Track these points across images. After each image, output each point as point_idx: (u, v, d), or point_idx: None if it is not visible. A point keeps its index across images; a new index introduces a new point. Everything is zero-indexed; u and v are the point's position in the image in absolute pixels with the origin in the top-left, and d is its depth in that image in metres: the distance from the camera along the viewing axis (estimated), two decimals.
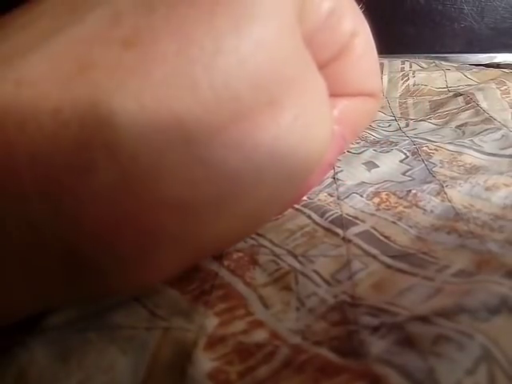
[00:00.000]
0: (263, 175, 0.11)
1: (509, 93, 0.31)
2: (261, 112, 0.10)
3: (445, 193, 0.18)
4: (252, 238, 0.16)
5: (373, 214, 0.17)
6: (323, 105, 0.12)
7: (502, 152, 0.22)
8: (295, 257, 0.14)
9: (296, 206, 0.18)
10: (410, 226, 0.16)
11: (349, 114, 0.15)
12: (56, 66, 0.09)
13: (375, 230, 0.16)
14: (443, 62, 0.41)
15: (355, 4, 0.14)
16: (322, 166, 0.15)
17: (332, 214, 0.17)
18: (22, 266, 0.09)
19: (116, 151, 0.09)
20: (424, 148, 0.24)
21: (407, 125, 0.30)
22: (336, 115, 0.14)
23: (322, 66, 0.13)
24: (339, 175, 0.21)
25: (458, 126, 0.27)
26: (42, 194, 0.09)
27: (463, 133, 0.26)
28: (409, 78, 0.38)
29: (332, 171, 0.21)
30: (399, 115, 0.33)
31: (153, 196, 0.09)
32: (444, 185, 0.19)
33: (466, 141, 0.24)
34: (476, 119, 0.28)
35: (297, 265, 0.14)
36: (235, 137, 0.10)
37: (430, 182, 0.19)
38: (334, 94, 0.14)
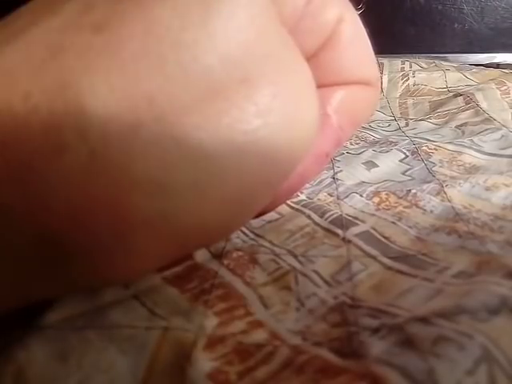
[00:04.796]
0: (242, 156, 0.10)
1: (509, 93, 0.31)
2: (235, 90, 0.10)
3: (445, 192, 0.18)
4: (251, 239, 0.16)
5: (373, 214, 0.17)
6: (306, 86, 0.12)
7: (502, 152, 0.22)
8: (295, 256, 0.14)
9: (295, 205, 0.18)
10: (410, 227, 0.16)
11: (345, 104, 0.15)
12: (29, 53, 0.09)
13: (375, 230, 0.16)
14: (443, 62, 0.41)
15: None
16: (318, 156, 0.14)
17: (332, 214, 0.17)
18: None
19: (86, 132, 0.09)
20: (424, 148, 0.24)
21: (407, 124, 0.30)
22: (332, 105, 0.14)
23: (312, 55, 0.13)
24: (339, 175, 0.21)
25: (457, 126, 0.27)
26: (11, 177, 0.09)
27: (463, 132, 0.26)
28: (409, 78, 0.38)
29: (332, 171, 0.21)
30: (399, 115, 0.33)
31: (125, 177, 0.09)
32: (444, 184, 0.19)
33: (465, 140, 0.24)
34: (476, 119, 0.28)
35: (297, 264, 0.14)
36: (209, 115, 0.10)
37: (429, 182, 0.19)
38: (327, 84, 0.14)
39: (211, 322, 0.12)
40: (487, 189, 0.18)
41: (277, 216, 0.17)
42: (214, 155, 0.10)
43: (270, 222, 0.17)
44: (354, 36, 0.14)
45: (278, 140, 0.11)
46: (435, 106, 0.33)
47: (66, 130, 0.09)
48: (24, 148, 0.09)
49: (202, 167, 0.10)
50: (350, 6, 0.14)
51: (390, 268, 0.14)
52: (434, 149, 0.23)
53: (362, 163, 0.22)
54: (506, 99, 0.30)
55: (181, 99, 0.09)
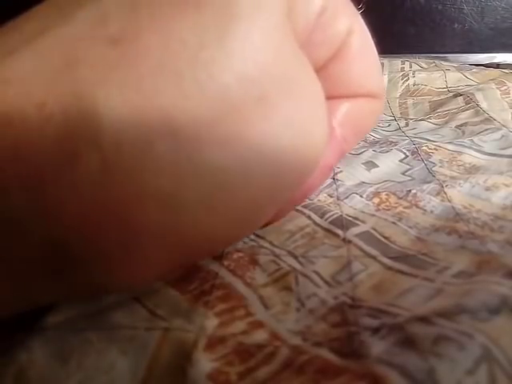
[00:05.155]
0: (253, 173, 0.11)
1: (509, 93, 0.31)
2: (251, 108, 0.10)
3: (445, 192, 0.18)
4: (252, 240, 0.16)
5: (373, 215, 0.17)
6: (318, 106, 0.12)
7: (502, 152, 0.22)
8: (295, 257, 0.14)
9: (296, 206, 0.18)
10: (410, 227, 0.16)
11: (350, 116, 0.15)
12: (43, 63, 0.09)
13: (375, 230, 0.16)
14: (443, 62, 0.41)
15: (349, 2, 0.14)
16: (323, 169, 0.14)
17: (332, 215, 0.17)
18: (2, 259, 0.09)
19: (100, 143, 0.09)
20: (424, 147, 0.24)
21: (407, 124, 0.30)
22: (337, 117, 0.14)
23: (321, 67, 0.13)
24: (339, 176, 0.21)
25: (457, 126, 0.27)
26: (23, 186, 0.09)
27: (463, 132, 0.26)
28: (409, 78, 0.38)
29: (332, 172, 0.21)
30: (399, 115, 0.33)
31: (137, 188, 0.09)
32: (444, 184, 0.18)
33: (465, 140, 0.24)
34: (476, 119, 0.28)
35: (297, 265, 0.14)
36: (224, 132, 0.10)
37: (429, 182, 0.19)
38: (335, 96, 0.14)
39: (212, 323, 0.12)
40: (487, 189, 0.18)
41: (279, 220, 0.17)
42: (226, 171, 0.10)
43: (269, 223, 0.17)
44: (362, 47, 0.14)
45: (289, 158, 0.11)
46: (435, 106, 0.33)
47: (80, 140, 0.09)
48: (37, 156, 0.09)
49: (213, 182, 0.10)
50: (359, 17, 0.14)
51: (390, 268, 0.14)
52: (434, 149, 0.23)
53: (362, 163, 0.22)
54: (506, 99, 0.30)
55: (196, 115, 0.09)
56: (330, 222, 0.16)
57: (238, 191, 0.11)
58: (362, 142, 0.26)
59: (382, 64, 0.39)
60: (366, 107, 0.15)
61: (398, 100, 0.35)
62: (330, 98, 0.13)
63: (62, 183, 0.09)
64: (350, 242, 0.15)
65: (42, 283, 0.10)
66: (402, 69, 0.39)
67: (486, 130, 0.25)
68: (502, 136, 0.24)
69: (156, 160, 0.09)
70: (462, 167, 0.21)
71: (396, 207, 0.17)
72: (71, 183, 0.09)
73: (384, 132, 0.29)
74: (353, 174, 0.21)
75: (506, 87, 0.32)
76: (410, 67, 0.40)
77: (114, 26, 0.09)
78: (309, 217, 0.17)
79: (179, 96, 0.09)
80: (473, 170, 0.21)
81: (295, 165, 0.12)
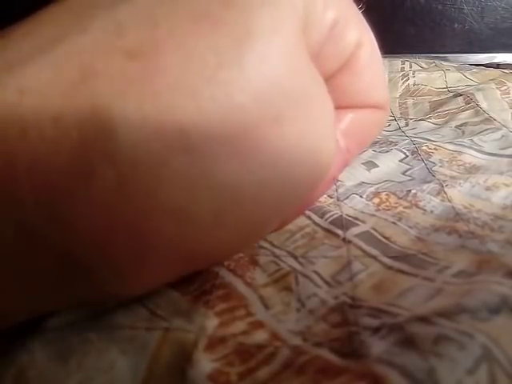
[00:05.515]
0: (265, 189, 0.11)
1: (509, 93, 0.31)
2: (266, 126, 0.10)
3: (445, 192, 0.18)
4: None
5: (373, 215, 0.17)
6: (329, 120, 0.12)
7: (502, 152, 0.22)
8: (295, 258, 0.14)
9: None
10: (410, 227, 0.16)
11: (355, 127, 0.15)
12: (59, 74, 0.09)
13: (375, 230, 0.16)
14: (443, 62, 0.41)
15: (359, 13, 0.14)
16: (326, 182, 0.15)
17: (332, 215, 0.17)
18: (15, 269, 0.09)
19: (115, 158, 0.09)
20: (423, 147, 0.24)
21: (407, 124, 0.30)
22: (342, 128, 0.14)
23: (328, 78, 0.13)
24: (338, 176, 0.21)
25: (457, 126, 0.27)
26: (38, 199, 0.09)
27: (463, 132, 0.26)
28: (409, 78, 0.38)
29: None
30: (399, 115, 0.33)
31: (150, 203, 0.09)
32: (444, 184, 0.18)
33: (465, 140, 0.24)
34: (476, 119, 0.28)
35: (297, 266, 0.14)
36: (238, 149, 0.10)
37: (429, 182, 0.19)
38: (340, 106, 0.14)
39: (212, 323, 0.12)
40: (487, 189, 0.18)
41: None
42: (239, 187, 0.10)
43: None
44: (370, 60, 0.14)
45: (298, 172, 0.11)
46: (435, 106, 0.33)
47: (96, 155, 0.09)
48: (52, 170, 0.09)
49: (225, 197, 0.10)
50: (368, 29, 0.14)
51: (390, 268, 0.14)
52: (434, 149, 0.23)
53: (362, 163, 0.22)
54: (506, 99, 0.30)
55: (212, 133, 0.09)
56: (330, 222, 0.16)
57: (248, 206, 0.11)
58: None
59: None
60: (370, 118, 0.15)
61: (397, 100, 0.35)
62: (335, 108, 0.13)
63: (76, 198, 0.09)
64: (349, 241, 0.15)
65: (55, 294, 0.10)
66: (402, 69, 0.39)
67: (486, 129, 0.25)
68: (502, 136, 0.24)
69: (171, 175, 0.09)
70: (462, 167, 0.21)
71: (396, 207, 0.17)
72: (86, 198, 0.09)
73: (384, 132, 0.29)
74: (353, 174, 0.21)
75: (505, 87, 0.32)
76: (410, 67, 0.40)
77: (131, 38, 0.09)
78: (309, 217, 0.17)
79: (196, 112, 0.09)
80: (473, 169, 0.21)
81: (304, 180, 0.12)
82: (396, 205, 0.18)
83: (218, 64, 0.09)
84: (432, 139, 0.25)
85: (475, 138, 0.24)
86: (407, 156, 0.23)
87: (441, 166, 0.21)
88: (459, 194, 0.18)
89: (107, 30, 0.09)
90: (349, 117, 0.15)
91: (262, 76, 0.10)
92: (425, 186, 0.19)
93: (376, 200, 0.18)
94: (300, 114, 0.11)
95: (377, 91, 0.15)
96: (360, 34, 0.13)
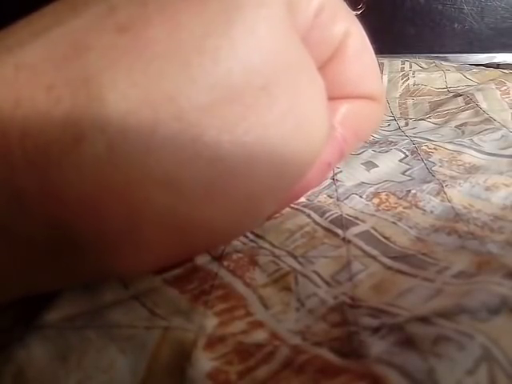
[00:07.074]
0: (254, 162, 0.11)
1: (508, 93, 0.31)
2: (253, 96, 0.10)
3: (444, 193, 0.18)
4: (251, 240, 0.16)
5: (373, 215, 0.17)
6: (319, 98, 0.12)
7: (502, 152, 0.22)
8: (295, 258, 0.14)
9: (295, 206, 0.18)
10: (410, 227, 0.16)
11: (350, 117, 0.15)
12: (53, 50, 0.09)
13: (375, 230, 0.16)
14: (443, 62, 0.41)
15: (345, 5, 0.14)
16: (321, 166, 0.15)
17: (332, 214, 0.17)
18: (5, 235, 0.10)
19: (105, 125, 0.09)
20: (423, 147, 0.24)
21: (406, 124, 0.30)
22: (337, 118, 0.15)
23: (319, 68, 0.13)
24: (338, 176, 0.21)
25: (457, 126, 0.27)
26: (29, 165, 0.09)
27: (463, 132, 0.26)
28: (409, 78, 0.38)
29: (331, 172, 0.21)
30: (399, 115, 0.33)
31: (140, 171, 0.10)
32: (444, 184, 0.18)
33: (465, 140, 0.24)
34: (476, 119, 0.28)
35: (297, 265, 0.14)
36: (227, 118, 0.10)
37: (429, 182, 0.19)
38: (334, 97, 0.14)
39: (211, 322, 0.12)
40: (487, 189, 0.18)
41: (276, 214, 0.17)
42: (228, 158, 0.10)
43: (269, 220, 0.17)
44: (359, 50, 0.14)
45: (288, 149, 0.11)
46: (435, 106, 0.33)
47: (86, 122, 0.09)
48: (43, 136, 0.09)
49: (214, 168, 0.10)
50: (356, 21, 0.14)
51: (390, 268, 0.14)
52: (434, 148, 0.23)
53: (362, 163, 0.22)
54: (506, 99, 0.30)
55: (200, 100, 0.10)
56: (330, 221, 0.16)
57: (237, 181, 0.11)
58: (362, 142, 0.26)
59: (382, 64, 0.39)
60: (364, 109, 0.15)
61: (397, 100, 0.35)
62: (328, 99, 0.13)
63: (67, 164, 0.09)
64: (349, 241, 0.15)
65: (43, 266, 0.10)
66: (402, 69, 0.39)
67: (486, 129, 0.25)
68: (502, 136, 0.24)
69: (160, 143, 0.09)
70: (461, 167, 0.21)
71: (396, 207, 0.17)
72: (76, 165, 0.09)
73: (384, 132, 0.29)
74: (352, 174, 0.21)
75: (505, 87, 0.32)
76: (410, 67, 0.40)
77: (122, 15, 0.10)
78: (308, 215, 0.17)
79: (185, 80, 0.10)
80: (473, 169, 0.21)
81: (295, 157, 0.12)
82: (396, 205, 0.18)
83: (206, 33, 0.10)
84: (432, 139, 0.25)
85: (475, 138, 0.24)
86: (407, 156, 0.23)
87: (440, 166, 0.21)
88: (459, 194, 0.18)
89: (100, 12, 0.10)
90: (343, 107, 0.15)
91: (250, 46, 0.10)
92: (424, 186, 0.19)
93: (376, 200, 0.18)
94: (288, 86, 0.11)
95: (368, 82, 0.15)
96: (348, 25, 0.13)
